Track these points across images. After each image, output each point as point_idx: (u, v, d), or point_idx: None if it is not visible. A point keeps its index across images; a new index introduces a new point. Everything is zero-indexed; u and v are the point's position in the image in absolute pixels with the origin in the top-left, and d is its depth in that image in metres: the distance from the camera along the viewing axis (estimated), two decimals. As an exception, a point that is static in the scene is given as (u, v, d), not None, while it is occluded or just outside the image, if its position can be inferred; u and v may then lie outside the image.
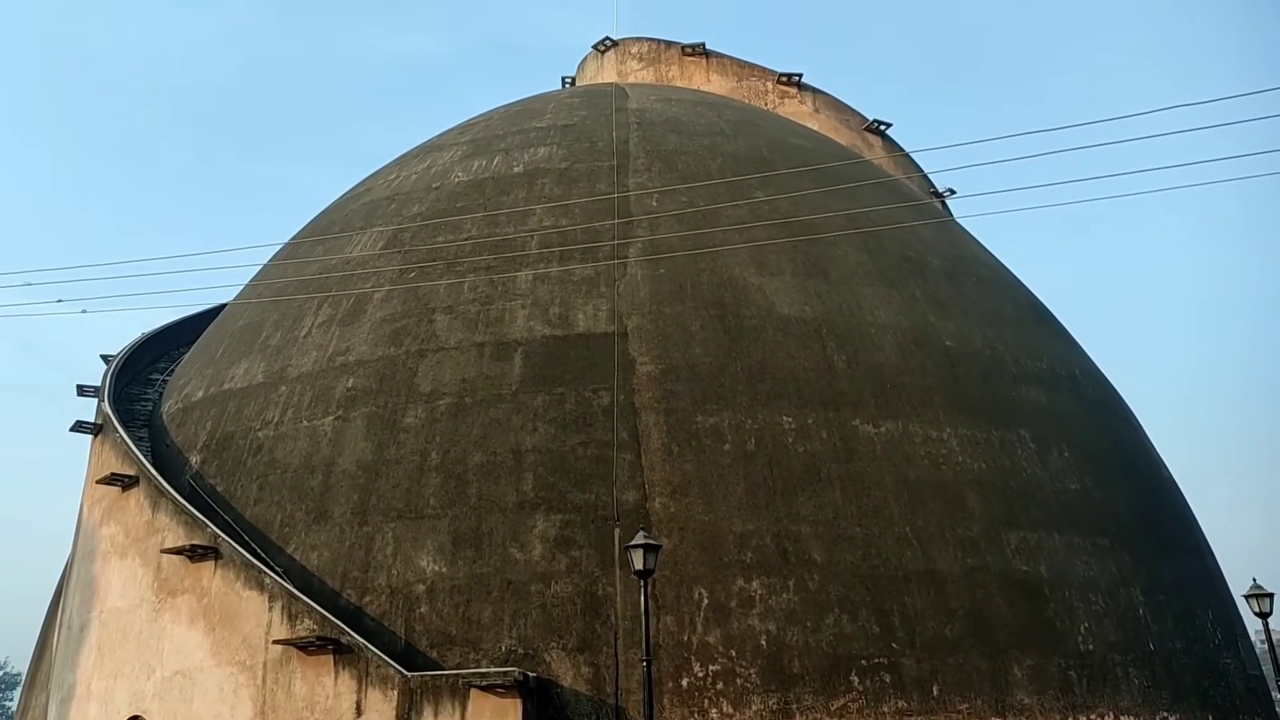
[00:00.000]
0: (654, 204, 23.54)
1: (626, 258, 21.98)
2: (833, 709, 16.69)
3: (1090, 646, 18.61)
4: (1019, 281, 27.49)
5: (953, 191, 31.75)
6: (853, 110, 35.33)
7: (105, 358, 26.50)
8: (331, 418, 20.45)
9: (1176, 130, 18.70)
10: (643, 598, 15.59)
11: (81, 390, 24.45)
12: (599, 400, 19.42)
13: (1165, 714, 18.74)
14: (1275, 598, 22.61)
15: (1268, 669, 23.96)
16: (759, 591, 17.42)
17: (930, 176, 32.85)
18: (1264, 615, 22.61)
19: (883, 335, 21.51)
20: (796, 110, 34.54)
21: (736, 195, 23.94)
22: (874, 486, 18.86)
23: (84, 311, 25.91)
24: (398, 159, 29.84)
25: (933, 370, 21.27)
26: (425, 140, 30.66)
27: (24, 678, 27.97)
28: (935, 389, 20.88)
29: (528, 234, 22.93)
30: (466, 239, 23.17)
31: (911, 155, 33.81)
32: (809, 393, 19.89)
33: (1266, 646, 24.10)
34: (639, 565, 15.52)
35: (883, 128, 34.69)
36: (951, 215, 30.99)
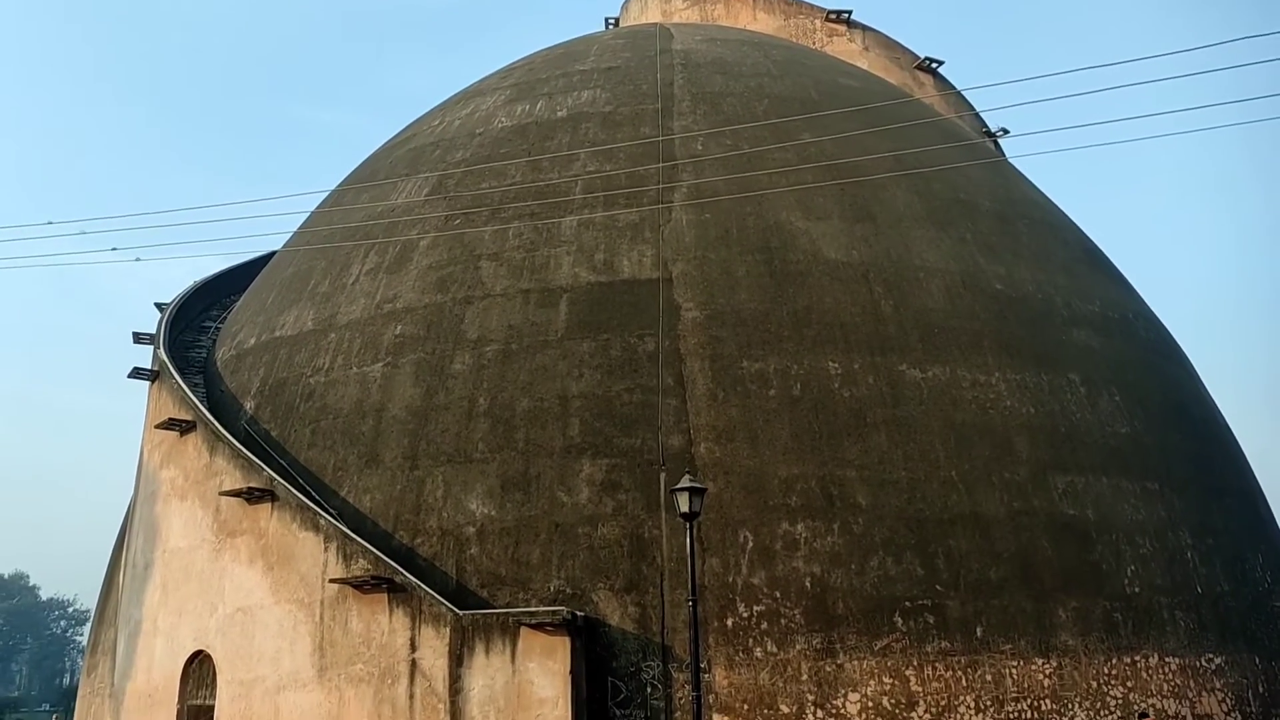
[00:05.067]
0: (699, 148, 23.30)
1: (671, 202, 21.86)
2: (876, 649, 16.89)
3: (1136, 589, 18.57)
4: (1072, 223, 26.91)
5: (1006, 131, 30.94)
6: (903, 48, 34.40)
7: (159, 306, 27.06)
8: (381, 364, 20.77)
9: (1246, 63, 17.92)
10: (688, 540, 15.77)
11: (138, 338, 25.05)
12: (644, 346, 19.49)
13: (1211, 656, 18.72)
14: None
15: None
16: (804, 534, 17.56)
17: (983, 115, 32.09)
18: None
19: (931, 279, 21.26)
20: (845, 49, 33.74)
21: (783, 138, 23.59)
22: (920, 431, 18.80)
23: (138, 259, 26.49)
24: (441, 105, 29.78)
25: (981, 314, 21.02)
26: (468, 85, 30.54)
27: (93, 614, 29.12)
28: (984, 333, 20.66)
29: (572, 179, 22.86)
30: (511, 185, 23.16)
31: (964, 93, 32.98)
32: (855, 337, 19.79)
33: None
34: (684, 508, 15.67)
35: (934, 66, 33.74)
36: (1004, 155, 30.31)
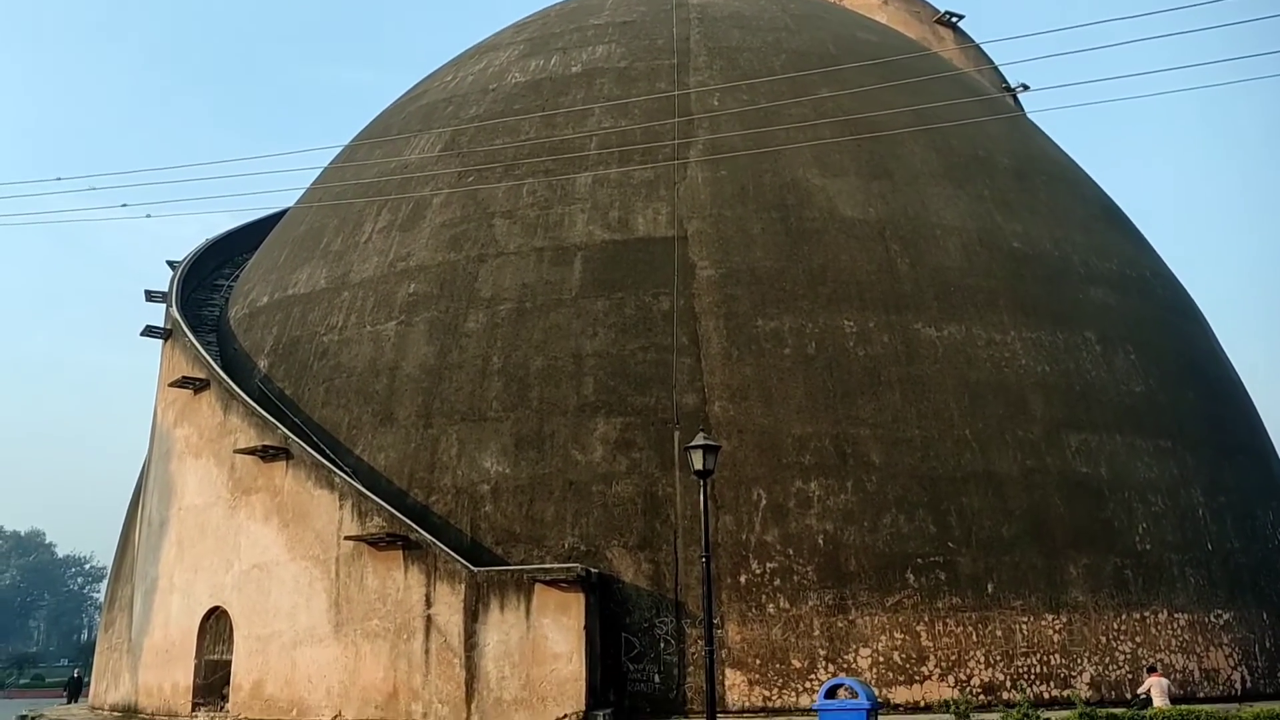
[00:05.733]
0: (715, 103, 23.00)
1: (687, 158, 21.63)
2: (887, 605, 17.00)
3: (1147, 546, 18.62)
4: (1091, 181, 26.61)
5: (1026, 87, 30.44)
6: (923, 1, 33.84)
7: (171, 264, 27.04)
8: (394, 322, 20.74)
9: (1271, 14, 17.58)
10: (702, 497, 15.78)
11: (150, 296, 25.05)
12: (659, 305, 19.42)
13: (1220, 611, 18.82)
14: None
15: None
16: (817, 492, 17.60)
17: (1002, 70, 31.61)
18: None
19: (948, 237, 21.08)
20: (863, 2, 33.13)
21: (800, 92, 23.26)
22: (934, 389, 18.76)
23: (148, 216, 26.41)
24: (453, 60, 29.43)
25: (998, 272, 20.87)
26: (480, 40, 30.17)
27: (109, 570, 29.43)
28: (1000, 291, 20.52)
29: (586, 135, 22.62)
30: (524, 141, 22.95)
31: (983, 48, 32.45)
32: (871, 296, 19.67)
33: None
34: (698, 465, 15.66)
35: (954, 20, 33.14)
36: (1023, 111, 29.89)
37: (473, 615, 16.57)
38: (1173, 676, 17.32)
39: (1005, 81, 31.40)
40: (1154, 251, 25.60)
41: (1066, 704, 15.84)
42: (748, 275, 19.72)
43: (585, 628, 16.14)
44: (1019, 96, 30.52)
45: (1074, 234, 22.96)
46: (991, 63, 31.82)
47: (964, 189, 22.24)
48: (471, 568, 16.84)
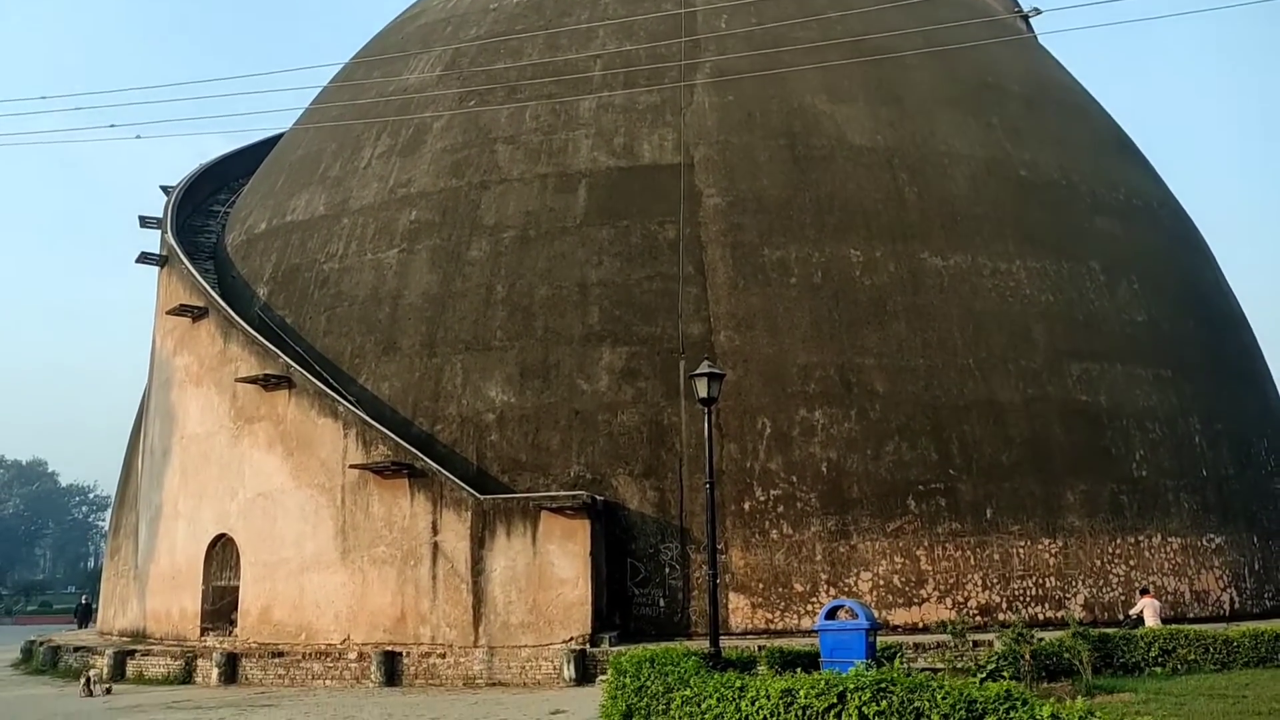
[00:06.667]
0: (722, 24, 22.47)
1: (694, 81, 21.24)
2: (889, 530, 17.27)
3: (1144, 472, 18.90)
4: (1101, 109, 26.25)
5: (1038, 11, 29.78)
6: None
7: (165, 189, 26.52)
8: (396, 250, 20.52)
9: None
10: (706, 425, 15.85)
11: (144, 222, 24.60)
12: (665, 233, 19.24)
13: (1212, 535, 19.20)
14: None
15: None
16: (821, 421, 17.72)
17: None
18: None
19: (956, 165, 20.86)
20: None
21: (808, 12, 22.75)
22: (939, 319, 18.78)
23: (138, 137, 25.85)
24: (452, -24, 28.61)
25: (1005, 201, 20.73)
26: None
27: (113, 498, 29.52)
28: (1006, 220, 20.41)
29: (590, 57, 22.13)
30: (527, 63, 22.44)
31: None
32: (878, 225, 19.54)
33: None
34: (703, 393, 15.61)
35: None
36: (1035, 35, 29.30)
37: (479, 542, 16.75)
38: (1164, 598, 17.73)
39: (1018, 5, 30.74)
40: (1161, 180, 25.42)
41: (1060, 625, 16.20)
42: (754, 203, 19.52)
43: (591, 554, 16.36)
44: (1031, 21, 29.90)
45: (1082, 163, 22.76)
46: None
47: (973, 116, 21.96)
48: (478, 495, 16.97)
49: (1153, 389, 19.90)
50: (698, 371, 15.80)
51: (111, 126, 24.63)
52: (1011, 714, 5.38)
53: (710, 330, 18.27)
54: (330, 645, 17.31)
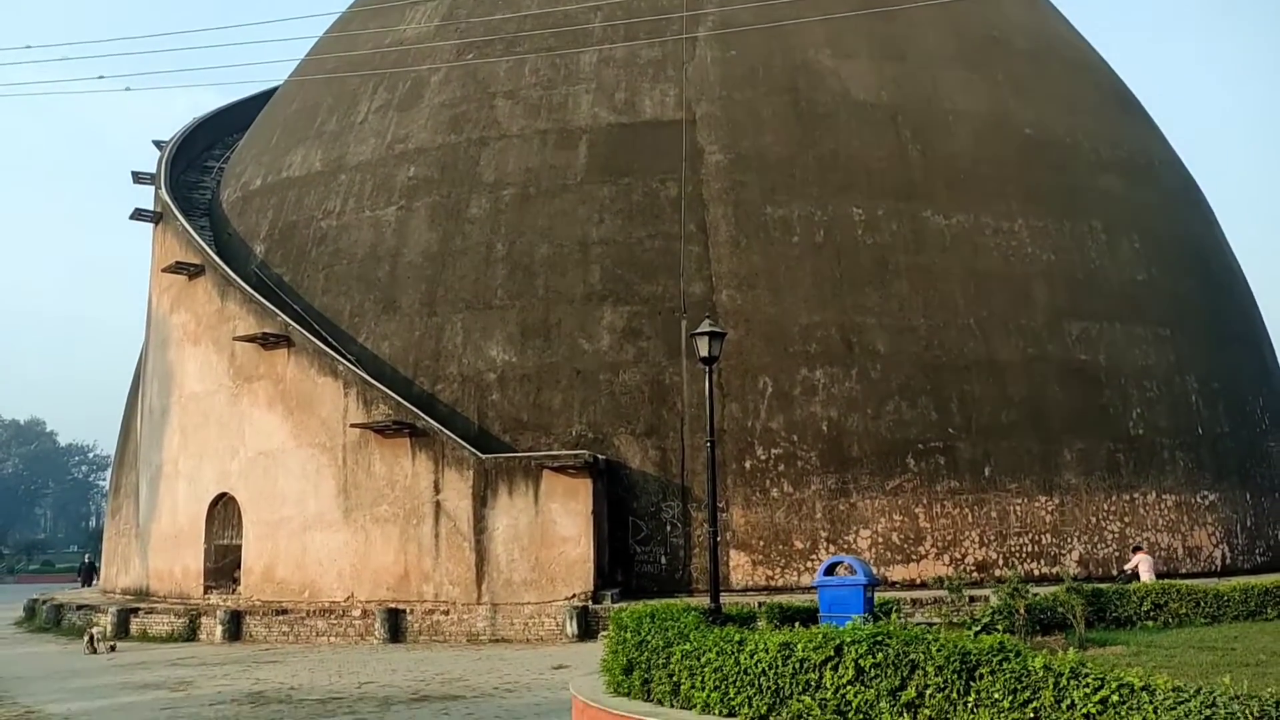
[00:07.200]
0: (725, -25, 22.09)
1: (696, 34, 20.92)
2: (888, 488, 17.42)
3: (1140, 431, 19.05)
4: (1106, 65, 25.97)
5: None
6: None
7: (158, 143, 26.15)
8: (394, 207, 20.34)
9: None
10: (707, 383, 15.86)
11: (138, 177, 24.31)
12: (666, 191, 19.09)
13: (1206, 492, 19.42)
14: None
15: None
16: (822, 380, 17.77)
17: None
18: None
19: (960, 123, 20.67)
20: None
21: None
22: (941, 278, 18.76)
23: (127, 89, 25.44)
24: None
25: (1009, 160, 20.58)
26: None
27: (113, 458, 29.48)
28: (1010, 179, 20.29)
29: (590, 9, 21.74)
30: (526, 14, 22.06)
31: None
32: (881, 183, 19.41)
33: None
34: (704, 352, 15.59)
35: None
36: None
37: (481, 501, 16.83)
38: (1158, 554, 17.96)
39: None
40: (1164, 138, 25.27)
41: (1056, 580, 16.38)
42: (757, 161, 19.36)
43: (593, 512, 16.48)
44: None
45: (1086, 120, 22.58)
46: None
47: (978, 72, 21.71)
48: (479, 454, 17.01)
49: (1151, 348, 19.99)
50: (699, 330, 15.77)
51: (100, 78, 24.26)
52: (1005, 665, 5.47)
53: (712, 289, 18.23)
54: (334, 603, 17.44)
